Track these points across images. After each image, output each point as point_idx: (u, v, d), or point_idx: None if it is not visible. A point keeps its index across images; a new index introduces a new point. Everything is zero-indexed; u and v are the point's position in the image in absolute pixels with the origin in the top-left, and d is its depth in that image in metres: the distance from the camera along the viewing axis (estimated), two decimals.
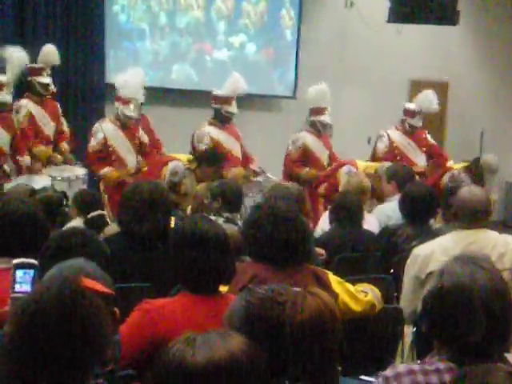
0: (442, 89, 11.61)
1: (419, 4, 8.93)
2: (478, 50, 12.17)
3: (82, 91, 9.73)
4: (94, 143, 7.61)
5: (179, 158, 7.10)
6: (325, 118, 8.36)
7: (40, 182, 6.88)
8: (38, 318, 1.79)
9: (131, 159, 7.74)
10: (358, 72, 11.12)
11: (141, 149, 7.92)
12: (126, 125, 7.72)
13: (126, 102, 7.64)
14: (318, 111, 8.37)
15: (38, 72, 7.89)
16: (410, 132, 8.53)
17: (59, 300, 1.81)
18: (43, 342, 1.77)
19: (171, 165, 6.91)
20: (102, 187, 7.61)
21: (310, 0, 11.22)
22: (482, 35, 12.04)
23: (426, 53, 11.31)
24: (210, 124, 8.01)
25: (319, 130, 8.38)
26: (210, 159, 7.08)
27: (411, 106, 8.56)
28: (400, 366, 2.30)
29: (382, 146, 8.43)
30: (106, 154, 7.63)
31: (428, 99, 8.63)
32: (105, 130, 7.62)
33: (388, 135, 8.49)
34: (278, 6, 11.17)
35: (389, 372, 2.26)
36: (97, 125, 7.74)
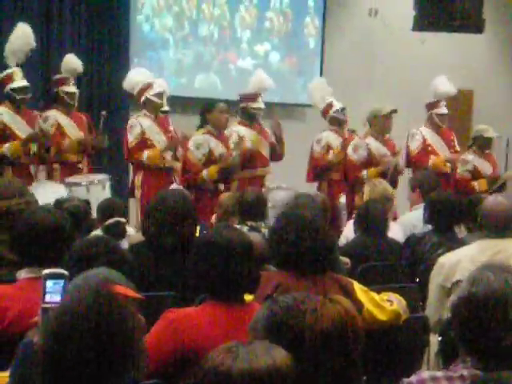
0: (466, 97, 11.57)
1: (444, 12, 8.93)
2: (503, 59, 12.09)
3: (107, 100, 9.79)
4: (132, 139, 7.50)
5: None
6: (336, 107, 8.43)
7: (55, 190, 6.86)
8: (76, 328, 1.77)
9: (168, 152, 7.70)
10: (382, 80, 11.10)
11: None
12: (160, 107, 7.72)
13: (148, 86, 7.64)
14: (328, 107, 8.46)
15: (64, 82, 7.93)
16: (439, 126, 8.51)
17: (94, 308, 1.80)
18: (81, 352, 1.76)
19: None
20: (138, 193, 7.57)
21: (334, 8, 11.22)
22: (508, 43, 11.96)
23: (451, 61, 11.26)
24: (240, 123, 8.02)
25: (339, 121, 8.41)
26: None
27: (431, 97, 8.59)
28: (424, 373, 2.31)
29: (416, 144, 8.37)
30: (143, 148, 7.52)
31: (442, 83, 8.65)
32: (142, 123, 7.57)
33: (420, 133, 8.47)
34: (302, 15, 11.19)
35: (413, 378, 2.28)
36: (133, 120, 7.67)
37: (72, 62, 8.09)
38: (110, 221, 5.09)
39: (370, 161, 7.96)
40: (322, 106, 8.54)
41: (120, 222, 5.13)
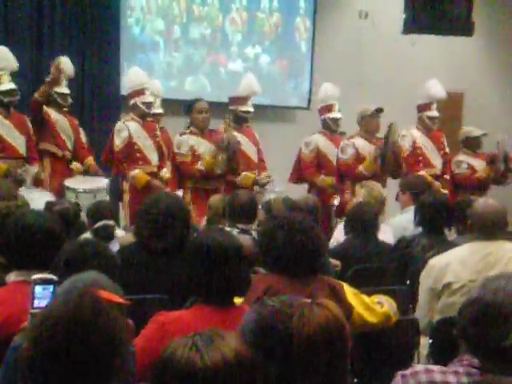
0: (457, 100, 11.59)
1: (434, 15, 8.93)
2: (493, 61, 12.13)
3: (98, 103, 9.77)
4: (118, 142, 7.50)
5: None
6: (334, 114, 8.42)
7: (41, 196, 6.81)
8: (58, 332, 1.77)
9: (154, 157, 7.71)
10: (373, 83, 11.11)
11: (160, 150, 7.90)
12: (147, 115, 7.71)
13: (140, 92, 7.66)
14: (326, 109, 8.46)
15: (57, 82, 7.88)
16: (429, 128, 8.53)
17: (78, 312, 1.80)
18: (64, 356, 1.75)
19: None
20: (126, 197, 7.57)
21: (325, 11, 11.23)
22: (497, 46, 12.01)
23: (441, 64, 11.29)
24: (228, 126, 8.02)
25: (331, 128, 8.42)
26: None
27: (422, 99, 8.60)
28: (418, 366, 2.36)
29: (406, 146, 8.38)
30: (130, 153, 7.53)
31: (434, 86, 8.66)
32: (129, 127, 7.57)
33: (411, 134, 8.48)
34: (293, 18, 11.20)
35: (407, 370, 2.32)
36: (120, 123, 7.66)
37: (66, 64, 8.01)
38: (98, 224, 5.10)
39: (359, 158, 7.97)
40: (321, 104, 8.55)
41: (108, 225, 5.13)
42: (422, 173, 8.16)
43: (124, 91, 7.79)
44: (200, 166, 7.52)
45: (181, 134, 7.68)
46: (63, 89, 7.89)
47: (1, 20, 9.12)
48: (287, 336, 1.93)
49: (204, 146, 7.65)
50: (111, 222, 5.20)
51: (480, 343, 2.24)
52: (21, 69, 7.71)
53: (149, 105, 7.69)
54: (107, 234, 4.99)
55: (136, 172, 7.47)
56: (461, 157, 8.49)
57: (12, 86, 7.42)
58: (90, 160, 8.00)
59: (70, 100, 8.01)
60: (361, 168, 7.81)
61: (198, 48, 10.77)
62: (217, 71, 10.89)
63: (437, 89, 8.67)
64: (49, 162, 7.80)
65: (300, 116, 11.08)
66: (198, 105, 7.67)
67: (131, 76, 7.92)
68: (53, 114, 7.81)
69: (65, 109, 7.99)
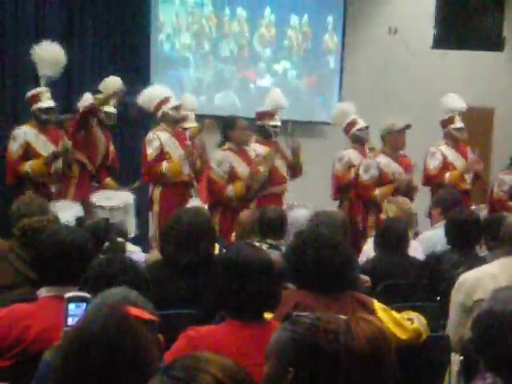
0: (487, 115, 11.52)
1: (464, 30, 8.92)
2: None
3: (128, 119, 9.82)
4: (150, 151, 7.53)
5: None
6: (360, 125, 8.48)
7: (71, 208, 6.87)
8: (85, 348, 1.77)
9: (186, 166, 7.71)
10: (402, 98, 11.08)
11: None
12: (177, 122, 7.76)
13: (165, 100, 7.68)
14: (351, 124, 8.50)
15: (106, 102, 8.00)
16: (458, 140, 8.46)
17: (105, 329, 1.80)
18: (91, 372, 1.75)
19: None
20: (156, 209, 7.59)
21: (354, 27, 11.25)
22: None
23: (471, 79, 11.23)
24: (256, 141, 8.01)
25: (362, 139, 8.45)
26: None
27: (444, 114, 8.54)
28: None
29: (435, 163, 8.32)
30: (162, 161, 7.55)
31: (454, 99, 8.60)
32: (160, 137, 7.60)
33: (441, 151, 8.41)
34: (322, 33, 11.22)
35: None
36: (151, 134, 7.67)
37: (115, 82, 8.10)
38: (106, 245, 5.01)
39: (382, 179, 7.95)
40: (344, 123, 8.55)
41: (115, 242, 5.05)
42: (447, 176, 8.13)
43: (151, 106, 7.82)
44: (230, 191, 7.50)
45: (221, 149, 7.68)
46: (110, 108, 8.01)
47: (30, 41, 9.21)
48: (333, 353, 1.88)
49: (242, 166, 7.67)
50: (119, 239, 5.15)
51: (497, 356, 2.20)
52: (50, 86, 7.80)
53: (178, 108, 7.72)
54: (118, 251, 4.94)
55: (166, 165, 7.49)
56: (506, 177, 8.36)
57: (51, 104, 7.54)
58: (110, 181, 8.10)
59: (114, 119, 8.12)
60: (377, 192, 7.80)
61: (228, 64, 10.84)
62: (246, 87, 10.94)
63: (456, 101, 8.59)
64: (77, 170, 7.85)
65: (328, 131, 11.06)
66: (242, 122, 7.70)
67: (152, 91, 7.95)
68: (97, 130, 7.92)
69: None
